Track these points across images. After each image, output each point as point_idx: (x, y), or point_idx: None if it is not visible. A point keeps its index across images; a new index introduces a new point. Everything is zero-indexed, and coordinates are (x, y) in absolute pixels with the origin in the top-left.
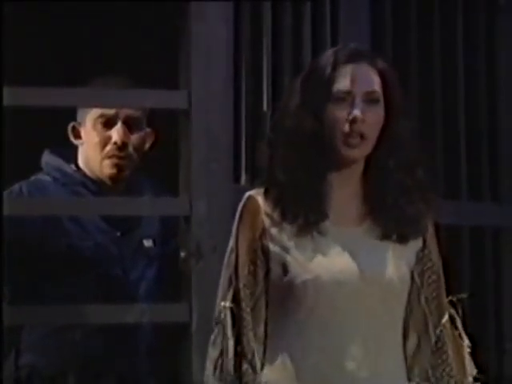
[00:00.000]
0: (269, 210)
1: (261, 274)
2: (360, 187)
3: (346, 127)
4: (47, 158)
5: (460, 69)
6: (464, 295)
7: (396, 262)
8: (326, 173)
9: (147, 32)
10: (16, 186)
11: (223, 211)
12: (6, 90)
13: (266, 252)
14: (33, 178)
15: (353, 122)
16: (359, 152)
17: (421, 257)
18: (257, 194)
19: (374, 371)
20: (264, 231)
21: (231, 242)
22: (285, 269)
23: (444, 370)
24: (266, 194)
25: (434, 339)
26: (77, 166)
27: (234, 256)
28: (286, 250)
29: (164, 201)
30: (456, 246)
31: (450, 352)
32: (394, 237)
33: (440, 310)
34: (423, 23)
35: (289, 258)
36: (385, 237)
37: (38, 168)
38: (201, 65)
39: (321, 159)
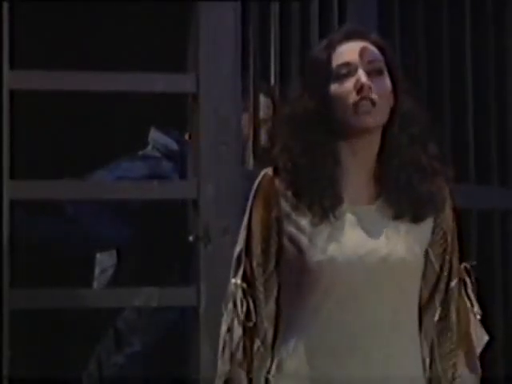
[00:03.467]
0: (284, 189)
1: (273, 252)
2: (375, 168)
3: (354, 96)
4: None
5: (468, 59)
6: (474, 262)
7: (409, 242)
8: (341, 156)
9: (158, 18)
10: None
11: (231, 194)
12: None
13: (280, 231)
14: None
15: (360, 89)
16: (372, 119)
17: (433, 230)
18: (271, 171)
19: (387, 352)
20: (279, 210)
21: (245, 219)
22: (300, 249)
23: (448, 346)
24: (279, 175)
25: (438, 311)
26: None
27: (245, 233)
28: (301, 230)
29: (172, 184)
30: (464, 229)
31: (453, 325)
32: (408, 217)
33: (449, 277)
34: (431, 18)
35: (303, 239)
36: (398, 217)
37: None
38: (209, 48)
39: (333, 140)
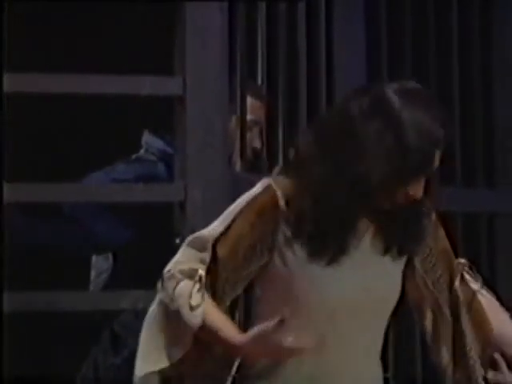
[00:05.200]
0: (288, 212)
1: (256, 262)
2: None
3: (400, 199)
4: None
5: (454, 62)
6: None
7: (393, 277)
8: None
9: (143, 19)
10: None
11: (218, 197)
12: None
13: (273, 249)
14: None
15: (410, 198)
16: None
17: (426, 258)
18: (277, 186)
19: (357, 377)
20: (277, 229)
21: (231, 214)
22: (290, 274)
23: (462, 349)
24: (286, 195)
25: (449, 316)
26: None
27: (221, 229)
28: (296, 259)
29: (159, 187)
30: (452, 231)
31: (467, 328)
32: (395, 251)
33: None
34: (418, 20)
35: (296, 267)
36: (387, 251)
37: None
38: (196, 50)
39: (361, 214)
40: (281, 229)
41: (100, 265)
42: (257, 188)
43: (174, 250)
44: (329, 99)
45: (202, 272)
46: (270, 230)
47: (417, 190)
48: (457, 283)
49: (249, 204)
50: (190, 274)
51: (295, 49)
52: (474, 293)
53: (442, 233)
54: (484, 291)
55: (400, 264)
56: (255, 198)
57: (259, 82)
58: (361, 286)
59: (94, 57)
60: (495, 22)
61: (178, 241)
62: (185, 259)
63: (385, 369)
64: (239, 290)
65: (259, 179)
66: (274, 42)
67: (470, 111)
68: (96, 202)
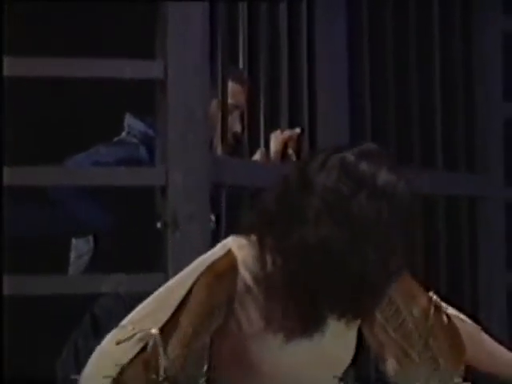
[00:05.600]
0: (249, 278)
1: (200, 342)
2: None
3: None
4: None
5: (436, 48)
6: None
7: (351, 337)
8: None
9: (126, 4)
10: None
11: (199, 182)
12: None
13: (228, 312)
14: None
15: None
16: None
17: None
18: (238, 250)
19: None
20: (232, 297)
21: (184, 280)
22: (245, 339)
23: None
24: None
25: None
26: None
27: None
28: (250, 325)
29: (141, 171)
30: (432, 215)
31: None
32: (349, 318)
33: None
34: (399, 19)
35: (249, 333)
36: (342, 317)
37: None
38: (177, 35)
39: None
40: (238, 295)
41: (80, 247)
42: (217, 250)
43: (155, 234)
44: (310, 84)
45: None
46: (228, 295)
47: None
48: (431, 313)
49: (207, 270)
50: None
51: (277, 33)
52: (449, 318)
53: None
54: (462, 316)
55: (355, 328)
56: (214, 264)
57: (240, 66)
58: (315, 352)
59: (76, 41)
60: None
61: (159, 225)
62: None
63: None
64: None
65: (240, 163)
66: (256, 26)
67: (451, 97)
68: (77, 185)
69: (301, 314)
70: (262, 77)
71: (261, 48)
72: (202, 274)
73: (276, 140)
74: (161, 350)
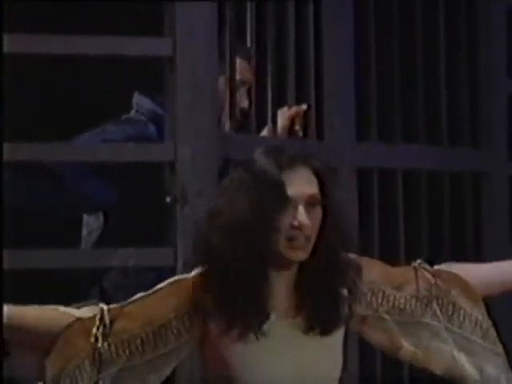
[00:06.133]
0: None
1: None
2: (295, 280)
3: (292, 232)
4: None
5: (441, 21)
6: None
7: (333, 354)
8: (269, 275)
9: None
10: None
11: (208, 157)
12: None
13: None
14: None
15: (298, 227)
16: (303, 254)
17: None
18: (190, 280)
19: None
20: (193, 309)
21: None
22: (227, 363)
23: None
24: (204, 282)
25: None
26: None
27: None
28: (229, 349)
29: (150, 147)
30: (437, 190)
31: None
32: (318, 331)
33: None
34: (405, 18)
35: (231, 356)
36: (311, 330)
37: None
38: (186, 12)
39: (265, 263)
40: (207, 311)
41: (91, 223)
42: (187, 275)
43: (164, 209)
44: (317, 60)
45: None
46: (186, 310)
47: (295, 217)
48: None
49: (172, 283)
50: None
51: (284, 10)
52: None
53: (366, 271)
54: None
55: (337, 336)
56: (180, 279)
57: (248, 44)
58: (294, 366)
59: (85, 18)
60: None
61: (168, 199)
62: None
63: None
64: (166, 370)
65: (248, 139)
66: (264, 3)
67: (455, 73)
68: (87, 162)
69: (240, 311)
70: (269, 54)
71: (268, 25)
72: (167, 284)
73: (283, 116)
74: (104, 322)
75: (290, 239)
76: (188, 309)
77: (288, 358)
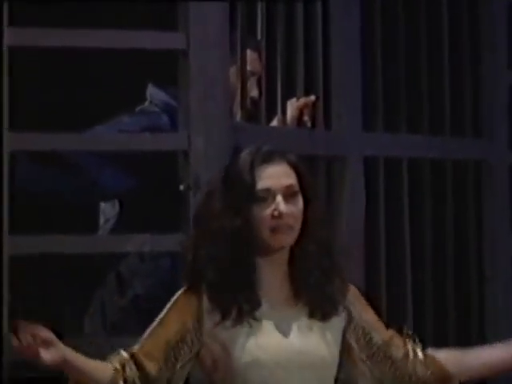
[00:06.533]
0: (206, 302)
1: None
2: (287, 270)
3: (273, 222)
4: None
5: (444, 16)
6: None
7: (327, 339)
8: (256, 263)
9: None
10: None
11: (220, 145)
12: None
13: (201, 334)
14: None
15: (279, 217)
16: (287, 241)
17: (348, 322)
18: (187, 292)
19: None
20: (201, 321)
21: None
22: (225, 352)
23: None
24: (196, 288)
25: None
26: None
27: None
28: (225, 337)
29: (164, 137)
30: (440, 179)
31: None
32: (319, 315)
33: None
34: (410, 12)
35: (228, 343)
36: (311, 315)
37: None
38: (198, 7)
39: (250, 253)
40: (206, 312)
41: (108, 212)
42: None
43: (177, 196)
44: (325, 53)
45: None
46: (196, 317)
47: (275, 207)
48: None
49: (179, 296)
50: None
51: (293, 3)
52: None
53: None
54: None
55: (333, 331)
56: (173, 303)
57: (258, 35)
58: (292, 351)
59: (102, 13)
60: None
61: (181, 187)
62: None
63: None
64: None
65: (258, 129)
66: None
67: (458, 66)
68: (104, 152)
69: (233, 298)
70: (278, 47)
71: (278, 18)
72: (176, 299)
73: (292, 107)
74: (129, 367)
75: (273, 228)
76: (193, 319)
77: (288, 344)
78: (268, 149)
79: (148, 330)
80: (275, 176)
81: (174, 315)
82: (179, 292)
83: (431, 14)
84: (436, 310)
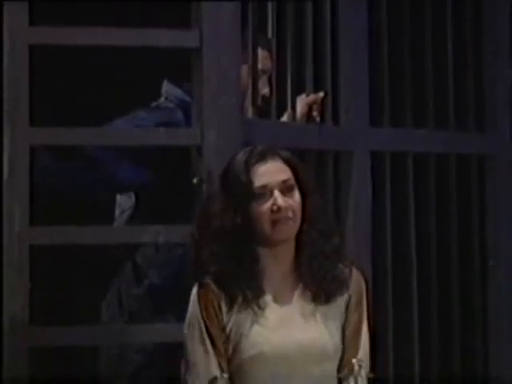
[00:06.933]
0: (220, 293)
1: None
2: (293, 263)
3: (273, 216)
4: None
5: (448, 15)
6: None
7: (329, 327)
8: (259, 256)
9: None
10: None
11: (232, 140)
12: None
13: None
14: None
15: (278, 211)
16: (287, 233)
17: (346, 309)
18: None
19: None
20: (220, 314)
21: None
22: (234, 344)
23: None
24: (212, 281)
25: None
26: None
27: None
28: (235, 326)
29: (178, 132)
30: (444, 172)
31: None
32: (323, 298)
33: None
34: (415, 11)
35: (236, 335)
36: (314, 299)
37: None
38: (211, 7)
39: (252, 247)
40: (223, 310)
41: (123, 203)
42: (194, 291)
43: (191, 189)
44: (333, 51)
45: None
46: (217, 307)
47: (273, 202)
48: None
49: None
50: None
51: (303, 3)
52: None
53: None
54: None
55: (335, 316)
56: (199, 301)
57: (269, 34)
58: (295, 341)
59: (121, 12)
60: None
61: (195, 180)
62: None
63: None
64: None
65: (269, 124)
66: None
67: (462, 63)
68: (120, 146)
69: (238, 286)
70: (288, 46)
71: (288, 18)
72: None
73: (302, 103)
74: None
75: (273, 222)
76: (215, 310)
77: (291, 337)
78: (261, 148)
79: (194, 348)
80: (271, 173)
81: (205, 314)
82: (194, 292)
83: (436, 15)
84: (440, 297)
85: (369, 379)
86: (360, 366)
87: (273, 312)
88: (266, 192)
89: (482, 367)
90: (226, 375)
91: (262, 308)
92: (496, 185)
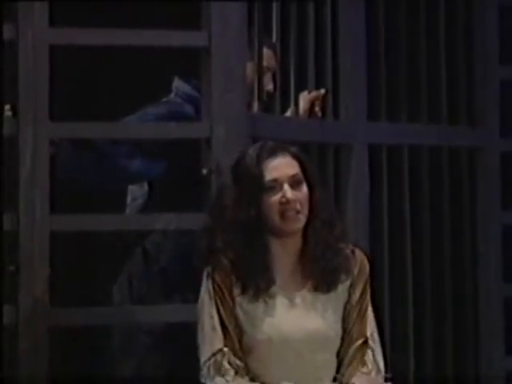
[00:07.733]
0: (233, 278)
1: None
2: (299, 254)
3: (282, 208)
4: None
5: (441, 16)
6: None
7: (332, 316)
8: (270, 246)
9: None
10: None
11: (239, 134)
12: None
13: (235, 317)
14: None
15: (286, 203)
16: (296, 225)
17: (349, 294)
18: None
19: None
20: (230, 297)
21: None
22: (244, 329)
23: None
24: (224, 267)
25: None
26: None
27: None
28: (245, 313)
29: (188, 125)
30: (436, 165)
31: None
32: (326, 287)
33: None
34: (409, 13)
35: (246, 322)
36: (318, 288)
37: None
38: (219, 9)
39: (263, 237)
40: (234, 286)
41: (135, 191)
42: (205, 278)
43: (200, 180)
44: (334, 50)
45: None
46: (229, 290)
47: (282, 195)
48: (358, 344)
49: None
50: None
51: (305, 6)
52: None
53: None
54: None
55: (337, 304)
56: (212, 284)
57: (274, 34)
58: (301, 329)
59: (134, 13)
60: None
61: (204, 172)
62: None
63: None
64: None
65: (274, 119)
66: (287, 3)
67: (454, 61)
68: (133, 139)
69: (250, 277)
70: (291, 45)
71: (291, 19)
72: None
73: (304, 99)
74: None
75: (282, 213)
76: (229, 293)
77: (296, 324)
78: (272, 144)
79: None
80: (281, 167)
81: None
82: (205, 275)
83: (429, 15)
84: (433, 281)
85: (386, 379)
86: (374, 341)
87: (281, 301)
88: (276, 185)
89: (472, 349)
90: (228, 350)
91: (271, 297)
92: (485, 175)
